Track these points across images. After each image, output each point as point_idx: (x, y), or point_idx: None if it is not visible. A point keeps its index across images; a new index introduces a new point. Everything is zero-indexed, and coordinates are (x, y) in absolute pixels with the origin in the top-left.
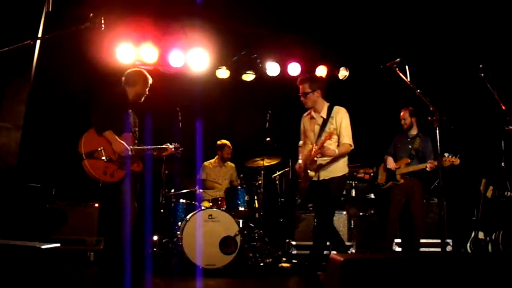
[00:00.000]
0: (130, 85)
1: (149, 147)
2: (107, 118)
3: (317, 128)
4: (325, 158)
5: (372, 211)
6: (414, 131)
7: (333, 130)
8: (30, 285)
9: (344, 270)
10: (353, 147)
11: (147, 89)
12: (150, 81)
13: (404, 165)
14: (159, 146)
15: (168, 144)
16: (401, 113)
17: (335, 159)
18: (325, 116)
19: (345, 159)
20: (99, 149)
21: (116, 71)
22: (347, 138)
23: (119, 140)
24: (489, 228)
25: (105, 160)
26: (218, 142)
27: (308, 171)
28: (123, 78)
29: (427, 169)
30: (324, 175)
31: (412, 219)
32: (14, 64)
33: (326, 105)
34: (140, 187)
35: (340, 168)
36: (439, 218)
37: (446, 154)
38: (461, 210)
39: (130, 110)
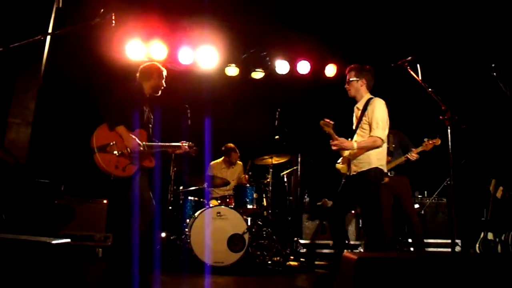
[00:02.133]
0: (145, 79)
1: (162, 144)
2: (119, 113)
3: (355, 120)
4: (353, 152)
5: None
6: None
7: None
8: (40, 280)
9: (358, 269)
10: (383, 141)
11: (163, 81)
12: (165, 72)
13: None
14: (173, 144)
15: (183, 142)
16: None
17: (364, 152)
18: (361, 108)
19: (378, 151)
20: (111, 143)
21: (125, 67)
22: (375, 130)
23: (130, 135)
24: (498, 229)
25: (117, 154)
26: (223, 148)
27: (336, 165)
28: (137, 74)
29: (411, 158)
30: (354, 170)
31: (408, 217)
32: (24, 60)
33: (366, 96)
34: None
35: (371, 161)
36: (448, 218)
37: (425, 139)
38: (471, 211)
39: (146, 107)
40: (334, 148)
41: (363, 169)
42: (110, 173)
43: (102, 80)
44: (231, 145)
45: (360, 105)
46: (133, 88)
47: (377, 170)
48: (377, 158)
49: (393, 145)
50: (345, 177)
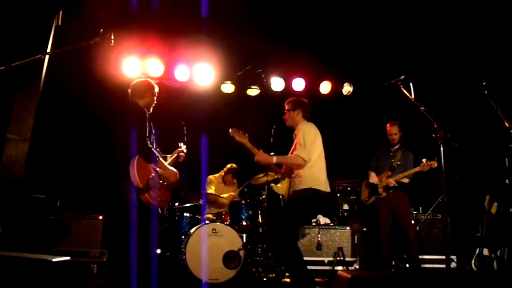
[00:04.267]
0: (139, 97)
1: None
2: (147, 143)
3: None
4: (292, 175)
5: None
6: (397, 145)
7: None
8: None
9: (351, 287)
10: (304, 160)
11: (155, 98)
12: (157, 89)
13: (385, 178)
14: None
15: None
16: (391, 128)
17: (296, 174)
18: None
19: (311, 172)
20: (151, 177)
21: (122, 84)
22: (298, 150)
23: (168, 166)
24: (494, 245)
25: (158, 187)
26: (228, 166)
27: (271, 184)
28: (129, 90)
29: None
30: (291, 191)
31: (404, 234)
32: (23, 76)
33: (301, 124)
34: None
35: (305, 181)
36: (443, 234)
37: (423, 160)
38: (466, 226)
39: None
40: (257, 161)
41: (297, 189)
42: (161, 207)
43: (99, 97)
44: (235, 167)
45: (296, 132)
46: (141, 113)
47: (309, 190)
48: (312, 179)
49: (398, 163)
50: (286, 198)
